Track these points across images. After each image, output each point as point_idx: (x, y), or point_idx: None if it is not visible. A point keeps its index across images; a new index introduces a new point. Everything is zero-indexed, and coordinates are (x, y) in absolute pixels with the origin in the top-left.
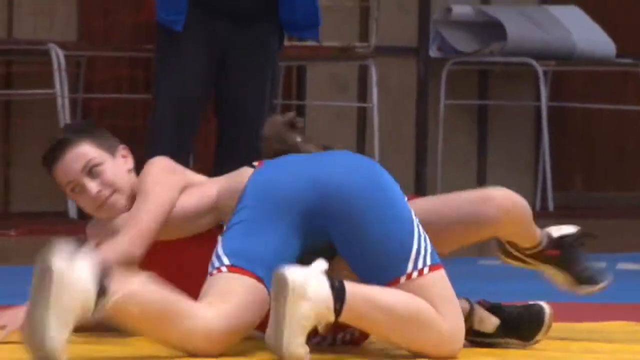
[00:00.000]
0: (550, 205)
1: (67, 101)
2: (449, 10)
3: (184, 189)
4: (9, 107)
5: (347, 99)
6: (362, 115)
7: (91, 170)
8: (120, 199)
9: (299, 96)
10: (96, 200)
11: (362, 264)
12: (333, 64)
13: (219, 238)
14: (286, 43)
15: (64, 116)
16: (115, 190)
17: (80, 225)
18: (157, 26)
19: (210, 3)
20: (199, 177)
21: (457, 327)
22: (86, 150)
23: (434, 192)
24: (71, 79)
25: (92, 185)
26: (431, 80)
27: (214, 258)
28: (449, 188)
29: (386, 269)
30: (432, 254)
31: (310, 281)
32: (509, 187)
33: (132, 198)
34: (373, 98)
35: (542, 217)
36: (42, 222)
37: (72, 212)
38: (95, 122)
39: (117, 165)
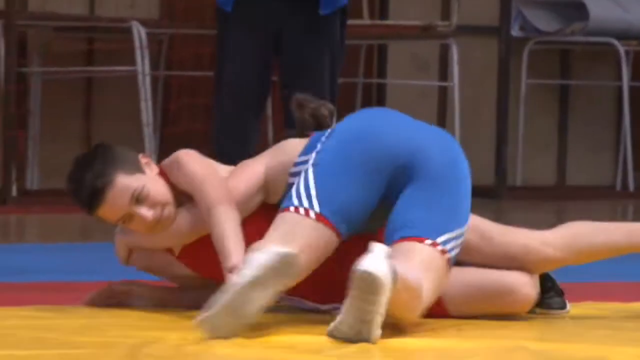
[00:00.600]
0: (631, 186)
1: (148, 78)
2: None
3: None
4: (90, 84)
5: (428, 78)
6: (443, 95)
7: (138, 199)
8: (171, 209)
9: (380, 75)
10: (153, 221)
11: (406, 216)
12: (414, 42)
13: (309, 169)
14: (368, 22)
15: (145, 93)
16: (164, 204)
17: None
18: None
19: None
20: (227, 168)
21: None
22: (125, 183)
23: (514, 171)
24: (152, 57)
25: (145, 211)
26: (512, 59)
27: (301, 191)
28: (529, 168)
29: (426, 226)
30: (458, 254)
31: (391, 273)
32: (589, 166)
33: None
34: (454, 77)
35: (623, 197)
36: None
37: None
38: (105, 145)
39: (152, 180)
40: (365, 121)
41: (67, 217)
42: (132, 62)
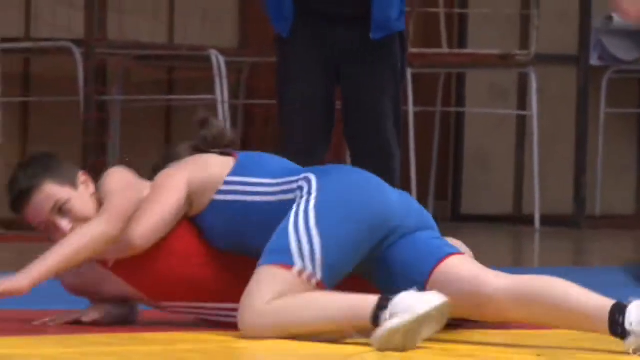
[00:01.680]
0: None
1: (227, 107)
2: (610, 18)
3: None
4: (170, 113)
5: (507, 106)
6: (522, 123)
7: (60, 209)
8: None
9: (458, 103)
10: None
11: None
12: (493, 71)
13: (311, 226)
14: (446, 51)
15: (225, 122)
16: (85, 221)
17: None
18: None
19: (317, 8)
20: (148, 183)
21: None
22: (51, 192)
23: (592, 200)
24: (232, 86)
25: (64, 224)
26: (591, 88)
27: (305, 252)
28: (608, 196)
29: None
30: None
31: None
32: None
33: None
34: (533, 106)
35: None
36: None
37: None
38: (49, 153)
39: (82, 197)
40: (353, 178)
41: None
42: (212, 90)
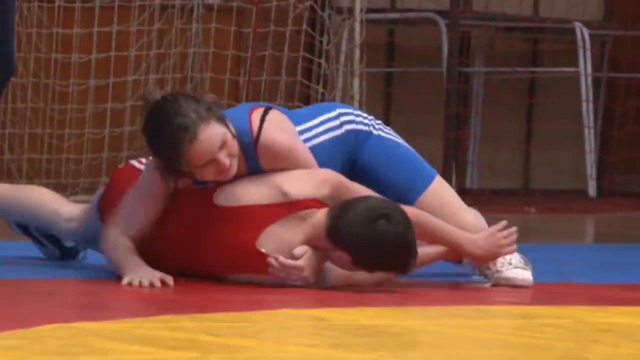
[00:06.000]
0: None
1: (590, 79)
2: None
3: None
4: (533, 85)
5: None
6: None
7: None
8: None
9: None
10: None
11: None
12: None
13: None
14: None
15: (587, 95)
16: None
17: (598, 204)
18: None
19: None
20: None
21: None
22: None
23: None
24: (595, 58)
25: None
26: None
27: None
28: None
29: None
30: None
31: None
32: None
33: None
34: None
35: None
36: (561, 199)
37: (592, 191)
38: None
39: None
40: None
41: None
42: (574, 63)
